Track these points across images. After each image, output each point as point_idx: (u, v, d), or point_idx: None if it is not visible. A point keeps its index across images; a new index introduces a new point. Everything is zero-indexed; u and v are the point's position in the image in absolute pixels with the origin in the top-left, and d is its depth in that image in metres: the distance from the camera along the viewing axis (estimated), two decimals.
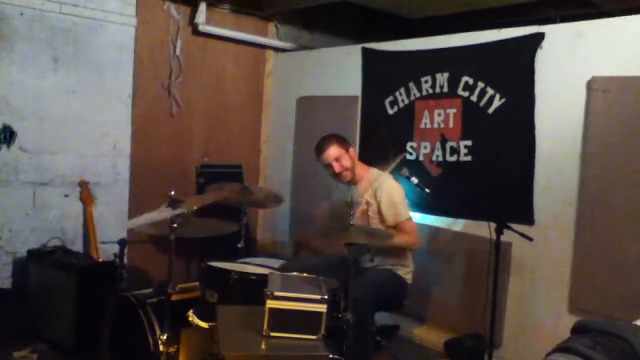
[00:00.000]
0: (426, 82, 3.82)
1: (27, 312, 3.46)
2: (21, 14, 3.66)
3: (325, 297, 1.88)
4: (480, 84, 3.54)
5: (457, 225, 3.68)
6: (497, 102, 3.46)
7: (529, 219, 3.27)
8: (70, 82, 3.85)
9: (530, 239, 3.02)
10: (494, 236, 3.00)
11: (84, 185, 3.94)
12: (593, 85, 3.08)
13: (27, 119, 3.70)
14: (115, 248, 3.33)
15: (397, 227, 3.00)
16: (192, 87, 4.55)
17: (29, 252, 3.59)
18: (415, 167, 3.71)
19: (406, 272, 3.08)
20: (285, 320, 1.85)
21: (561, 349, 1.46)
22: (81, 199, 3.94)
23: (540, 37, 3.30)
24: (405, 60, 3.95)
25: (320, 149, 3.16)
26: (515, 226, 3.03)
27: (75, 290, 3.14)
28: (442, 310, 3.72)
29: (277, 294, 1.86)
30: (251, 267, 2.60)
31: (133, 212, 4.01)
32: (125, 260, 3.41)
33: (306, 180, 4.55)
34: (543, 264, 3.25)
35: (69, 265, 3.31)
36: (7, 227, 3.66)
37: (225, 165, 4.71)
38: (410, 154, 3.88)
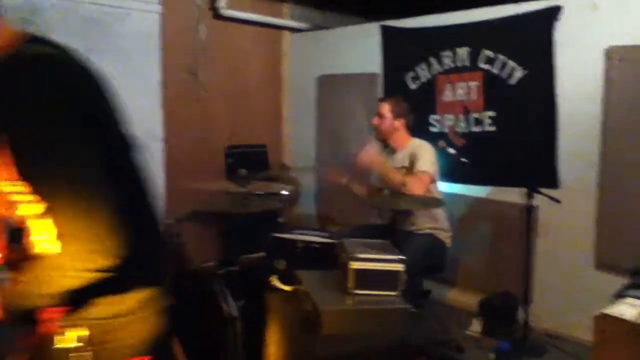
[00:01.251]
0: (447, 56, 3.99)
1: None
2: (53, 6, 3.75)
3: (402, 257, 2.08)
4: (501, 57, 3.72)
5: (482, 192, 3.89)
6: (518, 74, 3.65)
7: (554, 183, 3.49)
8: (102, 71, 3.95)
9: (558, 201, 3.25)
10: (523, 201, 3.23)
11: None
12: (610, 55, 3.28)
13: None
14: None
15: (416, 174, 3.08)
16: (215, 70, 4.67)
17: None
18: (440, 138, 3.90)
19: (446, 236, 3.29)
20: (367, 279, 2.05)
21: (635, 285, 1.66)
22: None
23: (556, 10, 3.49)
24: (425, 36, 4.12)
25: (380, 99, 3.54)
26: (542, 190, 3.25)
27: None
28: (472, 273, 3.96)
29: (359, 256, 2.06)
30: (309, 236, 2.79)
31: (169, 195, 4.16)
32: None
33: (330, 155, 4.73)
34: (568, 224, 3.48)
35: None
36: None
37: (250, 145, 4.86)
38: (434, 126, 4.08)
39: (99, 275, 1.12)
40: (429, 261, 3.08)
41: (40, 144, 1.10)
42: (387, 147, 3.41)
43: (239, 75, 4.87)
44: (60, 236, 1.12)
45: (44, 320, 1.19)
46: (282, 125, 5.21)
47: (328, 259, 2.42)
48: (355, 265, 2.04)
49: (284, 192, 3.66)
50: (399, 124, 3.34)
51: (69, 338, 1.16)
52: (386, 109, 3.33)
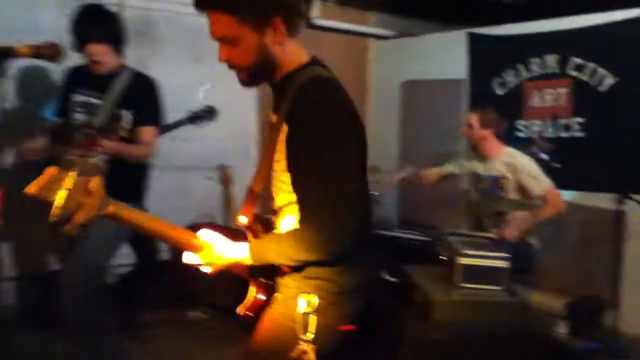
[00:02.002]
0: (535, 63, 4.09)
1: (187, 280, 3.96)
2: (165, 18, 4.12)
3: (507, 255, 2.24)
4: (591, 65, 3.78)
5: (570, 196, 3.96)
6: (609, 81, 3.70)
7: None
8: (207, 77, 4.30)
9: None
10: (611, 205, 3.30)
11: (223, 168, 4.40)
12: None
13: (175, 111, 4.16)
14: None
15: (545, 196, 3.27)
16: None
17: (188, 227, 4.09)
18: (527, 144, 4.00)
19: (534, 238, 3.40)
20: (474, 273, 2.22)
21: None
22: (220, 181, 4.41)
23: None
24: (513, 44, 4.23)
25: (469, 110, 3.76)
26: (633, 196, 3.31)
27: None
28: (558, 276, 4.02)
29: (467, 252, 2.24)
30: (408, 234, 2.99)
31: None
32: None
33: (414, 160, 4.89)
34: None
35: None
36: (161, 208, 4.16)
37: None
38: (521, 131, 4.18)
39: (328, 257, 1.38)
40: (517, 263, 3.20)
41: (316, 143, 1.38)
42: (478, 154, 3.55)
43: None
44: (309, 214, 1.38)
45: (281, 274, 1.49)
46: (366, 129, 5.41)
47: (426, 256, 2.60)
48: (463, 260, 2.22)
49: (375, 194, 3.86)
50: (487, 133, 3.48)
51: (308, 302, 1.43)
52: (474, 119, 3.48)
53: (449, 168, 3.81)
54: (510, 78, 4.25)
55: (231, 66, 1.51)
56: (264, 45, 1.43)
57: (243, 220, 1.57)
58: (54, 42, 1.61)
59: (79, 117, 2.77)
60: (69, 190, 1.37)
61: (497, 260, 2.22)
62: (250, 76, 1.51)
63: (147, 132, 2.79)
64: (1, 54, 1.81)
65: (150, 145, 2.77)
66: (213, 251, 1.51)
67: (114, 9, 3.97)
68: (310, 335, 1.39)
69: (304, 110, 1.40)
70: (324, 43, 5.04)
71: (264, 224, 1.55)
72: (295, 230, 1.41)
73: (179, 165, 4.22)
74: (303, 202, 1.39)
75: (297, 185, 1.42)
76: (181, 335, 3.49)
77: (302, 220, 1.38)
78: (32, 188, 1.36)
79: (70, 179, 1.37)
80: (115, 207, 1.44)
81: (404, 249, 2.70)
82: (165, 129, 3.51)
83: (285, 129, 1.42)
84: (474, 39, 4.50)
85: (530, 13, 4.25)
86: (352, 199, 1.37)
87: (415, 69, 4.99)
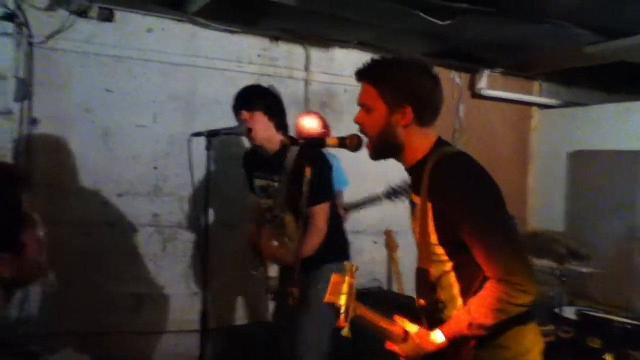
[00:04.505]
0: None
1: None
2: (345, 90, 4.40)
3: None
4: None
5: None
6: None
7: None
8: None
9: None
10: None
11: (388, 233, 4.51)
12: None
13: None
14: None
15: None
16: (468, 143, 4.98)
17: (356, 292, 4.19)
18: None
19: None
20: None
21: None
22: (386, 245, 4.51)
23: None
24: None
25: None
26: None
27: None
28: None
29: None
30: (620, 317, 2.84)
31: None
32: None
33: (585, 230, 4.68)
34: None
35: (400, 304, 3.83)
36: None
37: None
38: None
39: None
40: None
41: (474, 214, 1.57)
42: None
43: (488, 147, 5.11)
44: (463, 291, 1.60)
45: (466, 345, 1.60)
46: (527, 198, 5.31)
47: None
48: None
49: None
50: None
51: None
52: None
53: None
54: None
55: (361, 130, 1.75)
56: (390, 122, 1.67)
57: (420, 301, 1.72)
58: (357, 134, 1.85)
59: (263, 201, 2.88)
60: (346, 295, 1.54)
61: None
62: (374, 146, 1.73)
63: (320, 212, 2.67)
64: (317, 143, 2.13)
65: (324, 230, 2.66)
66: (414, 342, 1.63)
67: (301, 83, 4.37)
68: None
69: (447, 183, 1.59)
70: (486, 111, 5.09)
71: (433, 301, 1.68)
72: (487, 291, 1.53)
73: (348, 229, 4.37)
74: (491, 262, 1.53)
75: (479, 253, 1.55)
76: None
77: (498, 278, 1.51)
78: (328, 298, 1.55)
79: (346, 285, 1.56)
80: (359, 308, 1.58)
81: (618, 333, 2.57)
82: (361, 204, 3.64)
83: (430, 206, 1.60)
84: None
85: None
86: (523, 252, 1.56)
87: (583, 139, 4.87)
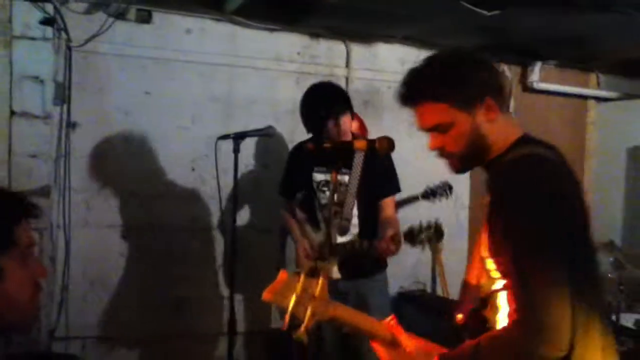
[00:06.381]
0: None
1: None
2: (389, 87, 4.23)
3: None
4: None
5: None
6: None
7: None
8: (421, 144, 4.31)
9: None
10: None
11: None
12: None
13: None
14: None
15: None
16: None
17: (399, 294, 4.09)
18: None
19: None
20: None
21: None
22: (430, 247, 4.35)
23: None
24: None
25: None
26: None
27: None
28: None
29: None
30: None
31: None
32: None
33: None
34: None
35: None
36: None
37: None
38: None
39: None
40: None
41: (526, 230, 1.31)
42: None
43: None
44: (514, 313, 1.29)
45: None
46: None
47: None
48: None
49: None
50: None
51: None
52: None
53: None
54: None
55: (442, 154, 1.51)
56: (476, 125, 1.45)
57: (459, 317, 1.53)
58: (387, 137, 1.76)
59: (323, 196, 2.85)
60: (297, 295, 1.37)
61: None
62: (461, 161, 1.51)
63: (390, 204, 2.74)
64: (345, 148, 2.10)
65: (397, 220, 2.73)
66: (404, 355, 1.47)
67: (342, 80, 4.23)
68: None
69: (503, 194, 1.38)
70: (539, 105, 4.82)
71: (480, 321, 1.47)
72: (505, 330, 1.32)
73: None
74: (518, 296, 1.29)
75: (510, 282, 1.34)
76: None
77: (520, 317, 1.27)
78: (267, 295, 1.38)
79: (299, 285, 1.39)
80: (334, 310, 1.43)
81: None
82: (398, 205, 3.53)
83: (488, 212, 1.40)
84: None
85: None
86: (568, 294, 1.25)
87: None
